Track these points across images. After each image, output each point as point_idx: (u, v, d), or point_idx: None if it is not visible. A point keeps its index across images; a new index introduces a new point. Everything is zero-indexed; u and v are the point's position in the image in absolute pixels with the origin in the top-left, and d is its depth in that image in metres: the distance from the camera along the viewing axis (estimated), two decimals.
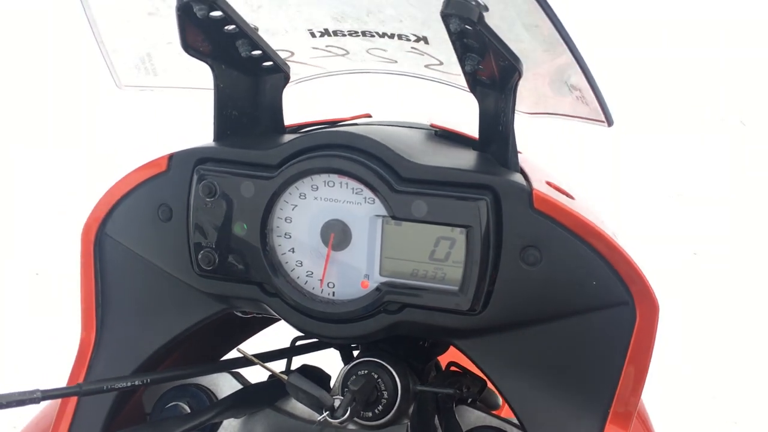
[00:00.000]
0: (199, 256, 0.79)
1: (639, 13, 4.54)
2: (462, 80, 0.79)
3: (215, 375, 0.92)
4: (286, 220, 0.78)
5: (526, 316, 0.75)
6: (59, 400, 0.87)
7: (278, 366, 0.89)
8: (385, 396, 0.83)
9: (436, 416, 0.86)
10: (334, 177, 0.76)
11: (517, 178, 0.75)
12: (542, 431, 0.76)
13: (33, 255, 3.23)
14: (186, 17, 0.75)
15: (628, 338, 0.74)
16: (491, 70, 0.74)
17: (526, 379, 0.76)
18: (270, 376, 0.90)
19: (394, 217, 0.75)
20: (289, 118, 0.89)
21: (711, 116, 4.17)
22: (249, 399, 0.89)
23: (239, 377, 0.93)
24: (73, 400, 0.86)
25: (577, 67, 0.74)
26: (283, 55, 0.87)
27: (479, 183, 0.73)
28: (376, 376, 0.83)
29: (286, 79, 0.86)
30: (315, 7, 0.85)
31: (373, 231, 0.76)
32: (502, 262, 0.73)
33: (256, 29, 0.81)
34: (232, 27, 0.77)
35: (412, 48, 0.88)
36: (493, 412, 0.90)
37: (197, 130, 1.04)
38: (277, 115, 0.87)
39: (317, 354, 0.95)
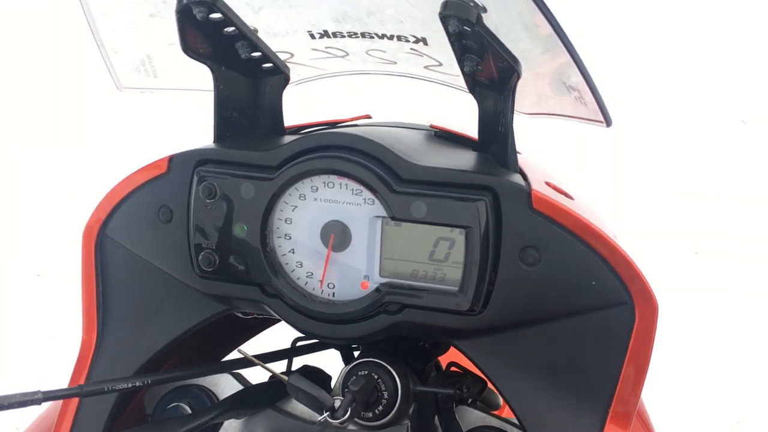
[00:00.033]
0: (200, 258, 0.79)
1: (639, 10, 4.54)
2: (461, 81, 0.79)
3: (216, 376, 0.92)
4: (286, 221, 0.78)
5: (525, 317, 0.75)
6: (61, 402, 0.87)
7: (279, 367, 0.90)
8: (386, 396, 0.83)
9: (436, 416, 0.86)
10: (333, 178, 0.76)
11: (517, 178, 0.75)
12: (542, 431, 0.76)
13: (35, 256, 3.23)
14: (186, 19, 0.75)
15: (627, 338, 0.74)
16: (490, 71, 0.74)
17: (526, 379, 0.76)
18: (271, 376, 0.90)
19: (393, 218, 0.75)
20: (289, 119, 0.89)
21: (712, 115, 4.17)
22: (250, 400, 0.89)
23: (240, 378, 0.93)
24: (75, 401, 0.86)
25: (576, 67, 0.74)
26: (282, 56, 0.87)
27: (478, 184, 0.74)
28: (376, 377, 0.83)
29: (286, 80, 0.86)
30: (316, 8, 0.85)
31: (373, 232, 0.76)
32: (502, 262, 0.74)
33: (256, 31, 0.81)
34: (231, 29, 0.77)
35: (411, 49, 0.88)
36: (493, 412, 0.90)
37: (197, 131, 1.04)
38: (277, 117, 0.87)
39: (318, 355, 0.95)
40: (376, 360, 0.84)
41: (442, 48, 0.83)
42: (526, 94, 0.85)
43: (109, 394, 0.80)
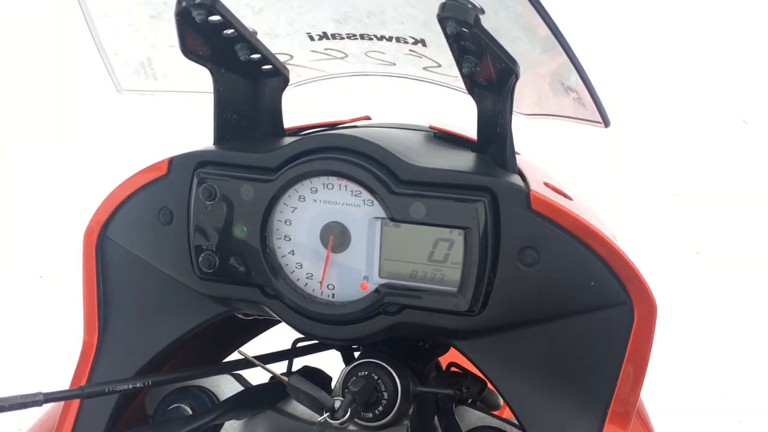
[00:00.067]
0: (200, 259, 0.80)
1: (638, 10, 4.54)
2: (460, 82, 0.79)
3: (217, 377, 0.92)
4: (285, 222, 0.78)
5: (524, 317, 0.75)
6: (62, 403, 0.87)
7: (279, 368, 0.90)
8: (386, 397, 0.83)
9: (436, 417, 0.87)
10: (333, 179, 0.76)
11: (515, 179, 0.75)
12: (542, 431, 0.76)
13: (36, 258, 3.23)
14: (185, 22, 0.76)
15: (626, 338, 0.74)
16: (488, 72, 0.74)
17: (526, 380, 0.76)
18: (271, 377, 0.90)
19: (392, 219, 0.75)
20: (289, 120, 0.89)
21: (713, 115, 4.17)
22: (250, 401, 0.89)
23: (241, 379, 0.93)
24: (76, 402, 0.87)
25: (573, 68, 0.74)
26: (282, 58, 0.87)
27: (477, 184, 0.74)
28: (376, 377, 0.83)
29: (286, 82, 0.86)
30: (317, 9, 0.86)
31: (372, 233, 0.76)
32: (500, 263, 0.74)
33: (255, 33, 0.81)
34: (230, 31, 0.77)
35: (410, 50, 0.88)
36: (493, 412, 0.90)
37: (197, 133, 1.05)
38: (276, 118, 0.87)
39: (319, 355, 0.96)
40: (376, 361, 0.84)
41: (440, 49, 0.83)
42: (524, 95, 0.86)
43: (110, 395, 0.80)
